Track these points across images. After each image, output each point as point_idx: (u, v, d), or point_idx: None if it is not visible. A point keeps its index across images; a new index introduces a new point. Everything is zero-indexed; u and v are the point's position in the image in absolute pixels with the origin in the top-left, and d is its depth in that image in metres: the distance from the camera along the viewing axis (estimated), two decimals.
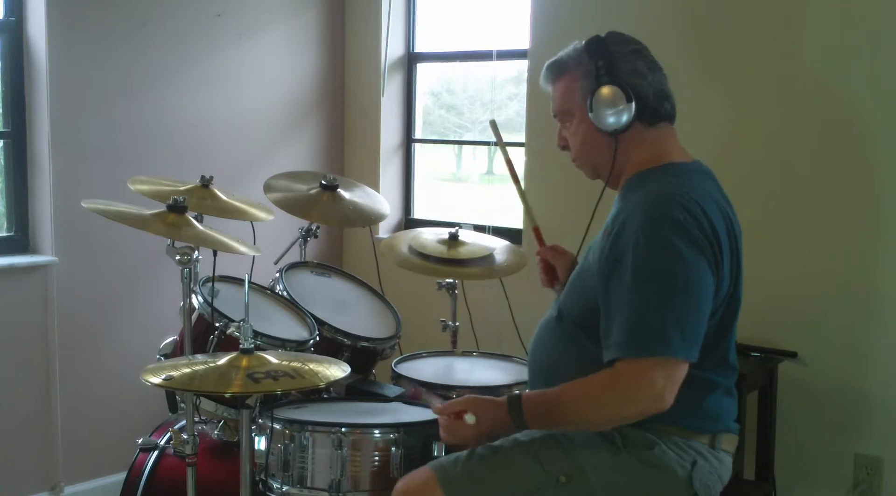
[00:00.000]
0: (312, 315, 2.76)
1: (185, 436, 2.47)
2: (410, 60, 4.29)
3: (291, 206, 3.01)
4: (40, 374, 3.38)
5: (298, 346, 2.58)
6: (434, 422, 2.21)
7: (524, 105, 3.73)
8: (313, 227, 3.19)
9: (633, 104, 1.92)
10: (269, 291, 2.87)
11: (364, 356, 2.81)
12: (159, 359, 2.64)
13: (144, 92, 3.59)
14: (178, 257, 2.38)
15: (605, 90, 1.92)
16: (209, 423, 2.66)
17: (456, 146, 4.47)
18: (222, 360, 2.01)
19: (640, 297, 1.80)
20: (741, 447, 2.51)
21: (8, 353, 3.30)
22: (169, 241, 2.39)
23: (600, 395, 1.83)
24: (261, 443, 2.22)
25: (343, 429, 2.17)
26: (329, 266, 3.28)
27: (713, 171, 2.03)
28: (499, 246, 3.07)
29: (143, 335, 3.46)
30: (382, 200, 3.31)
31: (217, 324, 2.52)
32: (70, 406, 3.43)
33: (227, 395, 2.37)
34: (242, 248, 2.49)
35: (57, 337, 3.39)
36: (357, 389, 2.69)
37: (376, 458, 2.17)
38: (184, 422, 2.53)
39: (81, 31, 3.40)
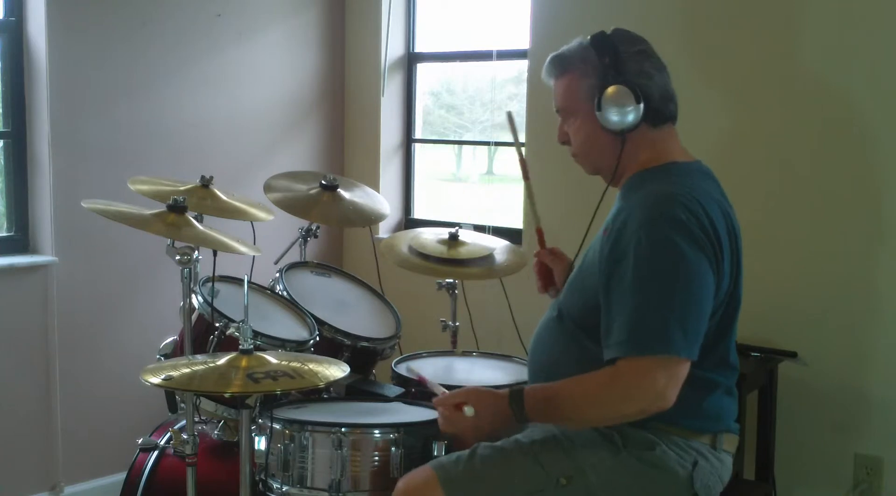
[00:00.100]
0: (312, 315, 2.76)
1: (185, 436, 2.47)
2: (410, 60, 4.29)
3: (291, 206, 3.01)
4: (40, 374, 3.38)
5: (298, 346, 2.58)
6: (434, 422, 2.21)
7: (524, 105, 3.73)
8: (313, 227, 3.19)
9: (641, 105, 1.92)
10: (269, 291, 2.87)
11: (364, 356, 2.81)
12: (159, 359, 2.64)
13: (144, 92, 3.59)
14: (178, 257, 2.38)
15: (614, 90, 1.92)
16: (209, 423, 2.66)
17: (456, 146, 4.47)
18: (222, 360, 2.01)
19: (642, 296, 1.80)
20: (741, 447, 2.51)
21: (8, 353, 3.30)
22: (169, 241, 2.39)
23: (601, 393, 1.83)
24: (261, 443, 2.22)
25: (343, 429, 2.17)
26: (329, 266, 3.28)
27: (713, 170, 2.03)
28: (499, 246, 3.07)
29: (143, 335, 3.46)
30: (382, 200, 3.31)
31: (217, 325, 2.52)
32: (70, 406, 3.43)
33: (226, 395, 2.37)
34: (242, 248, 2.49)
35: (57, 337, 3.39)
36: (357, 389, 2.69)
37: (376, 458, 2.17)
38: (184, 422, 2.53)
39: (81, 31, 3.40)
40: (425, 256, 2.94)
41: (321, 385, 1.99)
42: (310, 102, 4.19)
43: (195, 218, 2.49)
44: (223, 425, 2.63)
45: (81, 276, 3.44)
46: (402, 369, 2.72)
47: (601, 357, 1.85)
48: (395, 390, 2.63)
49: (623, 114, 1.92)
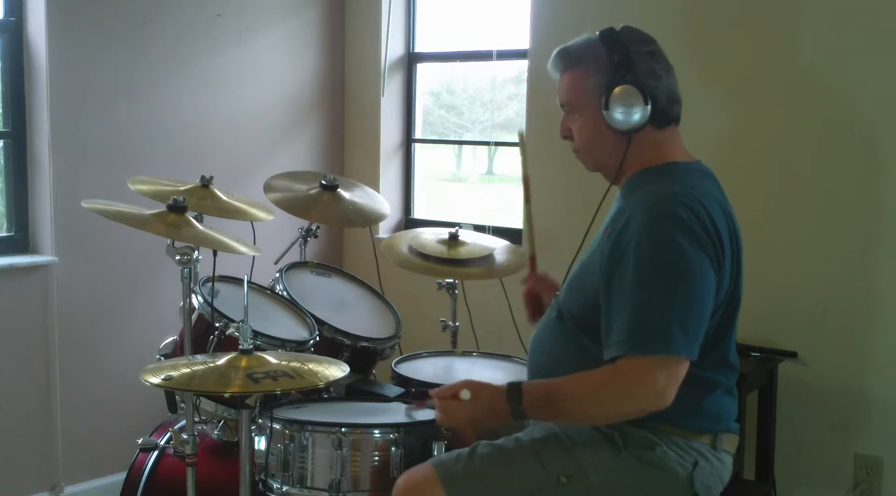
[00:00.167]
0: (312, 315, 2.76)
1: (185, 436, 2.47)
2: (410, 60, 4.29)
3: (291, 206, 3.01)
4: (40, 374, 3.38)
5: (298, 346, 2.58)
6: (434, 422, 2.21)
7: (524, 105, 3.73)
8: (313, 227, 3.19)
9: (649, 106, 1.92)
10: (269, 291, 2.87)
11: (364, 356, 2.81)
12: (159, 359, 2.64)
13: (144, 92, 3.59)
14: (178, 257, 2.38)
15: (623, 90, 1.91)
16: (209, 423, 2.66)
17: (456, 146, 4.47)
18: (222, 360, 2.01)
19: (643, 295, 1.80)
20: (741, 447, 2.51)
21: (8, 353, 3.30)
22: (169, 241, 2.39)
23: (600, 392, 1.83)
24: (261, 443, 2.22)
25: (343, 429, 2.17)
26: (329, 266, 3.28)
27: (713, 170, 2.03)
28: (499, 246, 3.07)
29: (143, 335, 3.46)
30: (382, 200, 3.31)
31: (217, 325, 2.52)
32: (70, 406, 3.43)
33: (226, 395, 2.37)
34: (242, 248, 2.49)
35: (57, 337, 3.39)
36: (357, 389, 2.69)
37: (376, 458, 2.17)
38: (184, 422, 2.53)
39: (81, 31, 3.40)
40: (425, 256, 2.94)
41: (321, 385, 1.99)
42: (310, 102, 4.19)
43: (195, 218, 2.49)
44: (223, 425, 2.63)
45: (81, 276, 3.44)
46: (402, 370, 2.72)
47: (601, 357, 1.85)
48: (395, 390, 2.63)
49: (630, 114, 1.92)
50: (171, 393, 2.64)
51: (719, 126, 3.14)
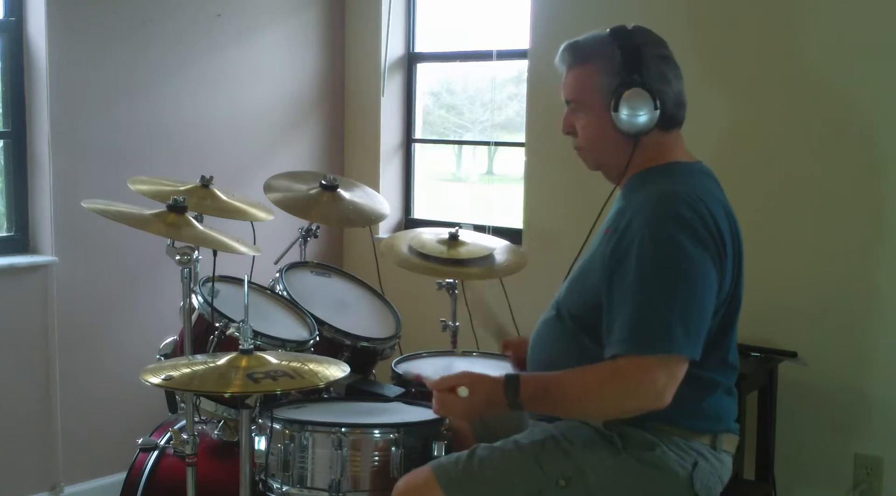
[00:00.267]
0: (312, 315, 2.76)
1: (185, 436, 2.47)
2: (410, 60, 4.29)
3: (291, 206, 3.01)
4: (40, 374, 3.38)
5: (298, 346, 2.58)
6: (434, 423, 2.21)
7: (524, 105, 3.73)
8: (313, 227, 3.19)
9: (657, 111, 1.92)
10: (269, 291, 2.87)
11: (364, 356, 2.81)
12: (159, 359, 2.64)
13: (144, 92, 3.59)
14: (178, 257, 2.37)
15: (634, 93, 1.90)
16: (209, 423, 2.65)
17: (456, 146, 4.47)
18: (222, 360, 2.01)
19: (645, 294, 1.80)
20: (741, 447, 2.51)
21: (8, 353, 3.30)
22: (169, 241, 2.39)
23: (600, 389, 1.83)
24: (261, 443, 2.22)
25: (343, 429, 2.16)
26: (329, 266, 3.28)
27: (714, 170, 2.03)
28: (499, 246, 3.07)
29: (143, 335, 3.46)
30: (382, 200, 3.31)
31: (217, 325, 2.52)
32: (70, 406, 3.43)
33: (226, 395, 2.37)
34: (242, 248, 2.49)
35: (57, 337, 3.39)
36: (357, 389, 2.69)
37: (376, 458, 2.17)
38: (184, 422, 2.52)
39: (81, 31, 3.40)
40: (425, 256, 2.93)
41: (321, 385, 1.99)
42: (310, 102, 4.19)
43: (195, 218, 2.49)
44: (223, 425, 2.63)
45: (81, 276, 3.44)
46: (401, 369, 2.72)
47: (601, 356, 1.85)
48: (395, 390, 2.63)
49: (639, 117, 1.91)
50: (171, 393, 2.64)
51: (720, 126, 3.14)
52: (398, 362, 2.82)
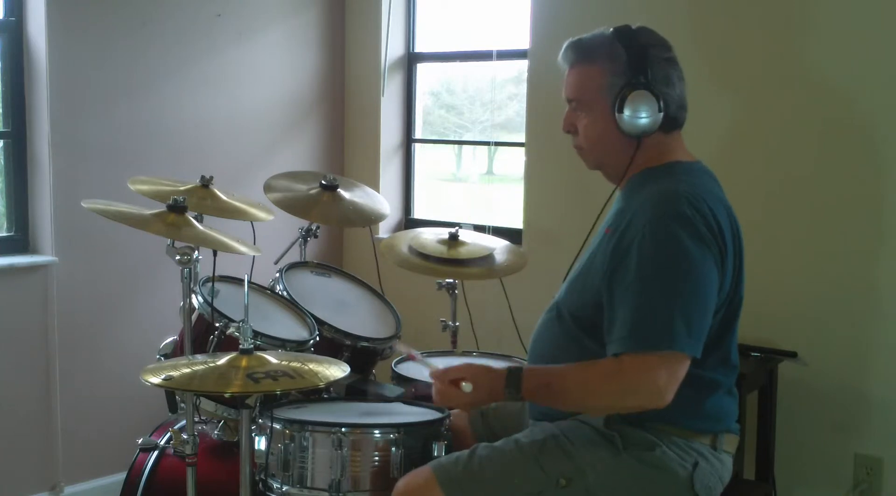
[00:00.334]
0: (312, 315, 2.76)
1: (185, 436, 2.46)
2: (410, 60, 4.29)
3: (291, 206, 3.01)
4: (40, 374, 3.38)
5: (298, 346, 2.58)
6: (434, 423, 2.21)
7: (524, 105, 3.73)
8: (313, 227, 3.18)
9: (661, 113, 1.91)
10: (269, 291, 2.87)
11: (364, 356, 2.81)
12: (159, 359, 2.64)
13: (144, 92, 3.59)
14: (178, 257, 2.37)
15: (639, 95, 1.90)
16: (209, 423, 2.65)
17: (456, 146, 4.47)
18: (222, 360, 2.01)
19: (646, 292, 1.80)
20: (741, 447, 2.51)
21: (8, 353, 3.30)
22: (169, 241, 2.39)
23: (601, 386, 1.83)
24: (261, 443, 2.22)
25: (343, 429, 2.16)
26: (329, 266, 3.28)
27: (714, 170, 2.03)
28: (499, 246, 3.07)
29: (143, 335, 3.46)
30: (382, 200, 3.31)
31: (217, 325, 2.52)
32: (70, 406, 3.43)
33: (226, 395, 2.37)
34: (242, 248, 2.49)
35: (57, 337, 3.39)
36: (357, 389, 2.69)
37: (376, 458, 2.17)
38: (184, 422, 2.52)
39: (81, 31, 3.40)
40: (425, 256, 2.93)
41: (321, 385, 1.99)
42: (310, 102, 4.19)
43: (195, 218, 2.49)
44: (223, 425, 2.63)
45: (81, 276, 3.44)
46: (402, 370, 2.72)
47: (601, 356, 1.85)
48: (395, 390, 2.63)
49: (643, 119, 1.90)
50: (171, 393, 2.64)
51: (720, 126, 3.14)
52: (398, 362, 2.82)
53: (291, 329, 2.69)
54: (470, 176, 4.43)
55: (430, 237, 3.03)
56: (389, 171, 4.26)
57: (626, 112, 1.90)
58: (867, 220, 2.90)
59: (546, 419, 2.04)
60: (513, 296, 3.06)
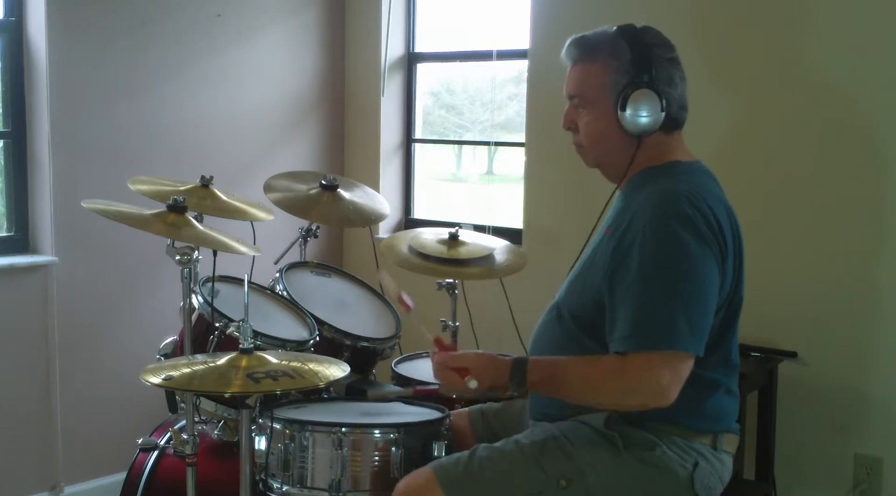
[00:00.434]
0: (312, 315, 2.76)
1: (185, 436, 2.46)
2: (410, 60, 4.29)
3: (291, 206, 3.01)
4: (40, 374, 3.38)
5: (298, 346, 2.58)
6: (434, 423, 2.21)
7: (524, 105, 3.73)
8: (313, 227, 3.18)
9: (663, 113, 1.91)
10: (269, 291, 2.87)
11: (364, 356, 2.81)
12: (159, 359, 2.64)
13: (144, 92, 3.59)
14: (178, 257, 2.37)
15: (642, 93, 1.90)
16: (209, 423, 2.65)
17: (456, 146, 4.47)
18: (222, 360, 2.01)
19: (648, 291, 1.80)
20: (741, 447, 2.51)
21: (8, 353, 3.30)
22: (169, 241, 2.39)
23: (604, 383, 1.84)
24: (261, 443, 2.22)
25: (343, 429, 2.16)
26: (329, 266, 3.28)
27: (714, 170, 2.03)
28: (499, 246, 3.06)
29: (143, 335, 3.46)
30: (382, 200, 3.31)
31: (217, 325, 2.52)
32: (70, 406, 3.43)
33: (226, 395, 2.37)
34: (242, 248, 2.49)
35: (57, 337, 3.39)
36: (357, 389, 2.68)
37: (376, 458, 2.17)
38: (184, 422, 2.52)
39: (81, 31, 3.40)
40: (425, 256, 2.93)
41: (321, 385, 1.99)
42: (310, 102, 4.19)
43: (195, 218, 2.49)
44: (223, 425, 2.63)
45: (81, 276, 3.44)
46: (402, 370, 2.72)
47: (601, 355, 1.85)
48: (396, 390, 2.63)
49: (645, 118, 1.90)
50: (171, 393, 2.64)
51: (720, 126, 3.14)
52: (398, 362, 2.82)
53: (291, 329, 2.69)
54: (470, 176, 4.43)
55: (430, 237, 3.02)
56: (389, 171, 4.26)
57: (629, 110, 1.90)
58: (867, 220, 2.90)
59: (546, 419, 2.04)
60: (513, 297, 3.05)
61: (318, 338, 2.68)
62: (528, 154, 3.69)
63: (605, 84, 1.94)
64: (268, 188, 3.04)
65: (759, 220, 2.96)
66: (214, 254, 2.49)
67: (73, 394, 3.43)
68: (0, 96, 3.38)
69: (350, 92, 4.31)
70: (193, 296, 2.54)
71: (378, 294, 3.15)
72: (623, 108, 1.91)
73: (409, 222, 4.29)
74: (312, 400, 2.57)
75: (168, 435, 2.66)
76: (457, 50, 4.23)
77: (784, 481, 3.02)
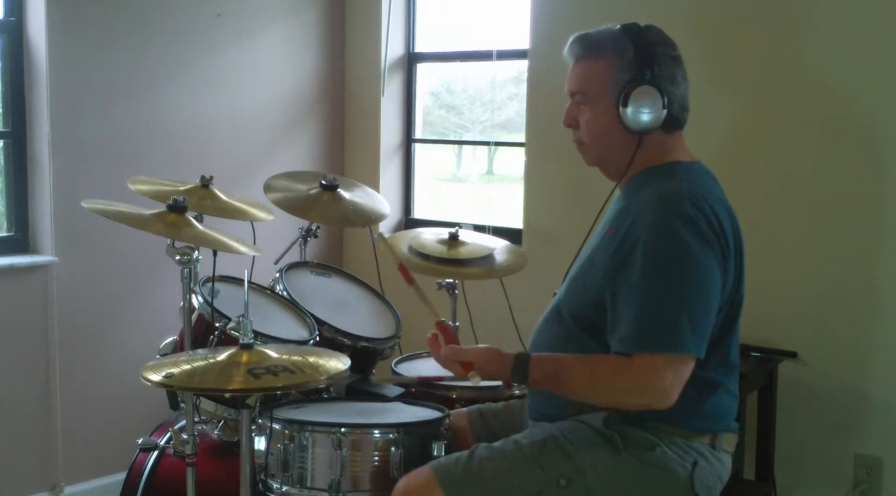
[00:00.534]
0: (312, 315, 2.76)
1: (185, 436, 2.46)
2: (410, 60, 4.29)
3: (291, 206, 3.01)
4: (40, 374, 3.38)
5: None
6: (434, 422, 2.21)
7: (524, 105, 3.73)
8: (313, 227, 3.19)
9: (665, 111, 1.91)
10: (269, 291, 2.87)
11: (364, 356, 2.81)
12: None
13: (144, 92, 3.59)
14: (178, 257, 2.37)
15: (645, 90, 1.90)
16: (209, 423, 2.65)
17: (456, 146, 4.47)
18: (222, 355, 2.00)
19: (650, 292, 1.80)
20: (741, 447, 2.51)
21: (8, 353, 3.30)
22: (169, 241, 2.39)
23: (605, 383, 1.84)
24: (261, 443, 2.22)
25: (343, 429, 2.16)
26: (329, 266, 3.28)
27: (714, 170, 2.03)
28: (499, 246, 3.06)
29: (143, 335, 3.46)
30: (382, 200, 3.31)
31: (217, 324, 2.52)
32: (70, 406, 3.43)
33: (226, 395, 2.37)
34: (242, 248, 2.49)
35: (57, 337, 3.39)
36: (357, 389, 2.69)
37: (376, 458, 2.17)
38: (184, 422, 2.52)
39: (81, 31, 3.40)
40: (425, 256, 2.93)
41: (321, 379, 1.98)
42: (310, 102, 4.19)
43: (195, 218, 2.49)
44: (223, 425, 2.63)
45: (81, 276, 3.44)
46: (402, 370, 2.72)
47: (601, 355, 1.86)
48: (395, 390, 2.63)
49: (647, 116, 1.90)
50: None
51: (720, 126, 3.14)
52: (398, 362, 2.82)
53: (291, 329, 2.69)
54: (470, 176, 4.43)
55: (430, 237, 3.03)
56: (389, 171, 4.26)
57: (630, 107, 1.90)
58: (867, 220, 2.90)
59: (545, 419, 2.04)
60: (513, 296, 3.06)
61: (318, 338, 2.68)
62: (528, 154, 3.69)
63: (607, 81, 1.94)
64: (268, 188, 3.04)
65: (759, 220, 2.96)
66: (214, 254, 2.49)
67: (73, 394, 3.43)
68: (0, 96, 3.38)
69: (350, 92, 4.31)
70: (193, 296, 2.54)
71: (378, 294, 3.15)
72: (625, 105, 1.91)
73: (409, 222, 4.29)
74: (312, 400, 2.57)
75: (168, 435, 2.66)
76: (457, 50, 4.23)
77: (784, 481, 3.02)
